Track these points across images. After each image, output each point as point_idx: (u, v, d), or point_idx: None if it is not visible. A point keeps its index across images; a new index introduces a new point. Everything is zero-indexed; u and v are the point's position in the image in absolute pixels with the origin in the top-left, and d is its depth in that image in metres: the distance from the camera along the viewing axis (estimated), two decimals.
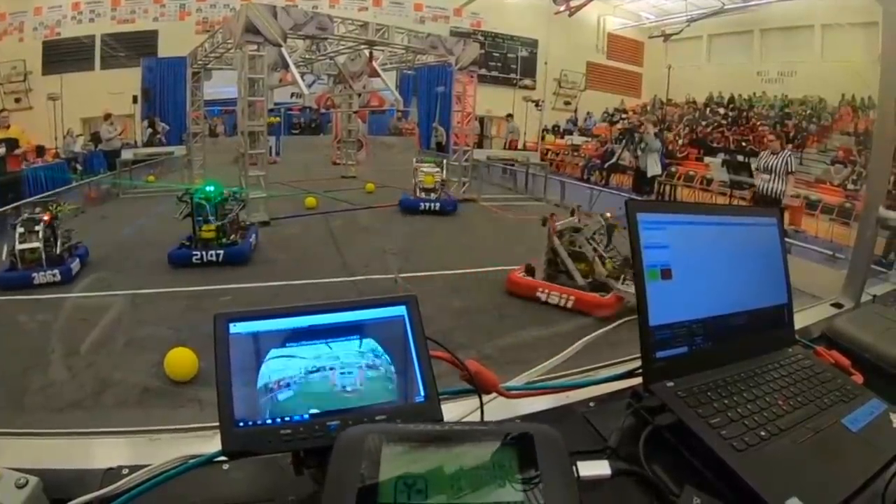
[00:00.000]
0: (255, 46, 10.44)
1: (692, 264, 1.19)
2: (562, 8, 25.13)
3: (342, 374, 0.81)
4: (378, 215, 12.08)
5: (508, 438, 0.69)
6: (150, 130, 20.47)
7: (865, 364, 1.41)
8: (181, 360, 4.57)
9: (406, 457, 0.67)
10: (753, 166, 12.20)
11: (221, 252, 8.11)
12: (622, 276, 6.52)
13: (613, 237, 7.10)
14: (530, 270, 7.04)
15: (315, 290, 6.99)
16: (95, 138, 19.30)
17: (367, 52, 13.71)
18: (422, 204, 12.00)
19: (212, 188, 8.40)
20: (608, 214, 7.41)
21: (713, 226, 1.28)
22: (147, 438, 1.01)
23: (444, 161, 14.10)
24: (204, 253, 8.06)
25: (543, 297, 6.70)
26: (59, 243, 7.70)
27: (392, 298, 0.87)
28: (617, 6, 26.77)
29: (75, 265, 7.68)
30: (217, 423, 0.77)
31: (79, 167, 17.54)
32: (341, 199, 13.26)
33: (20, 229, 7.49)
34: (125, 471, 0.89)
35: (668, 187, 16.32)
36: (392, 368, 0.84)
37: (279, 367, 0.79)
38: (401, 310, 0.87)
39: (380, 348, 0.83)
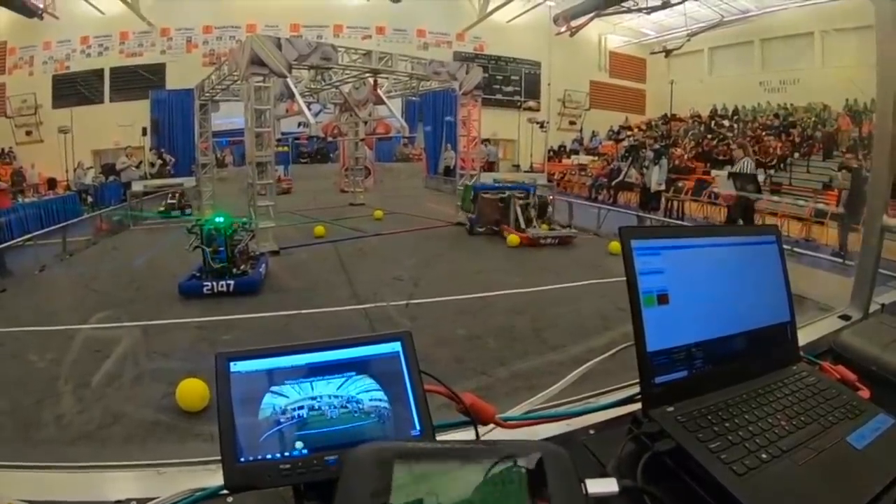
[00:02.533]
0: (261, 78, 10.55)
1: (689, 288, 1.17)
2: (562, 28, 25.31)
3: (340, 409, 0.83)
4: (387, 242, 12.16)
5: (518, 457, 0.69)
6: (159, 162, 20.67)
7: (873, 377, 1.39)
8: (193, 390, 4.58)
9: (417, 474, 0.66)
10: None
11: (232, 283, 8.11)
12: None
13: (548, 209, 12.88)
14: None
15: (325, 319, 6.97)
16: (106, 170, 19.51)
17: (371, 80, 13.82)
18: None
19: (221, 219, 8.43)
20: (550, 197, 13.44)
21: (710, 247, 1.26)
22: (155, 472, 1.03)
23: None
24: (215, 283, 8.05)
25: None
26: None
27: (387, 335, 0.89)
28: (617, 24, 26.90)
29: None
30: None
31: (90, 199, 17.69)
32: (350, 227, 13.32)
33: None
34: (133, 503, 0.91)
35: (674, 203, 16.33)
36: (388, 403, 0.86)
37: (279, 403, 0.82)
38: (396, 346, 0.90)
39: (375, 384, 0.86)
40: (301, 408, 0.81)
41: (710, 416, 1.07)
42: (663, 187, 14.75)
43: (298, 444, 0.78)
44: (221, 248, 8.28)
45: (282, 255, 10.34)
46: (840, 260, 8.81)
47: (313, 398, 0.82)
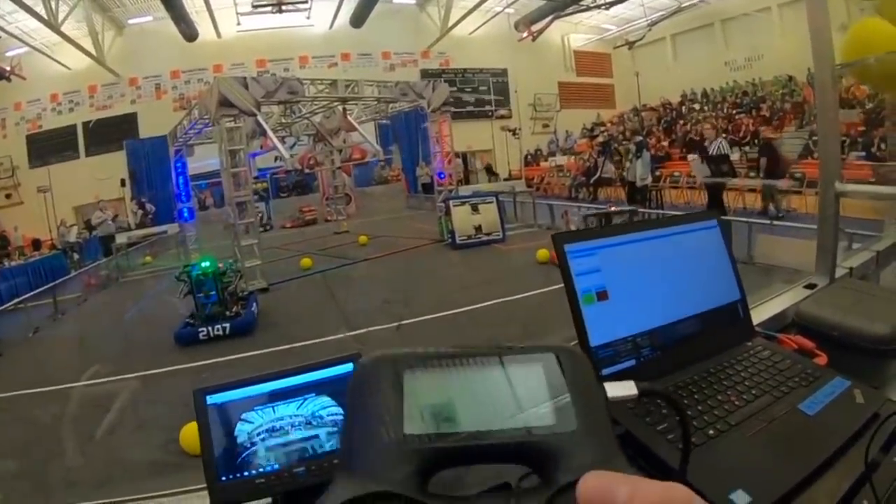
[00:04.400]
0: (231, 118, 10.58)
1: (629, 282, 1.21)
2: (524, 34, 25.49)
3: (304, 427, 0.94)
4: (374, 266, 12.19)
5: (534, 357, 0.68)
6: (140, 212, 20.64)
7: (833, 343, 1.41)
8: (194, 434, 4.60)
9: (429, 382, 0.65)
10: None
11: (228, 325, 8.09)
12: None
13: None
14: None
15: (319, 349, 6.99)
16: (89, 226, 19.47)
17: (340, 108, 13.89)
18: None
19: (207, 263, 8.44)
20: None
21: (648, 241, 1.28)
22: (156, 503, 1.10)
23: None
24: (210, 328, 8.01)
25: None
26: None
27: (340, 358, 0.99)
28: (578, 23, 27.10)
29: None
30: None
31: (76, 256, 17.67)
32: (336, 256, 13.33)
33: None
34: None
35: (654, 192, 16.41)
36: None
37: (251, 427, 0.92)
38: (349, 367, 1.01)
39: (332, 401, 0.96)
40: (268, 429, 0.91)
41: (659, 400, 1.08)
42: (649, 180, 14.74)
43: (270, 461, 0.88)
44: (213, 292, 8.27)
45: (272, 292, 10.34)
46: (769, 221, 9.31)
47: (278, 419, 0.92)
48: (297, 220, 20.49)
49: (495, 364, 0.67)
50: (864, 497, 0.91)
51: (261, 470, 0.88)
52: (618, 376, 1.13)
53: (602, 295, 1.17)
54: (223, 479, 0.87)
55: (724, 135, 15.34)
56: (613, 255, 1.22)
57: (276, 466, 0.89)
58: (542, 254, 9.70)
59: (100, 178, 21.34)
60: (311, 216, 20.15)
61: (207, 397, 0.92)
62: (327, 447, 0.91)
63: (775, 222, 9.22)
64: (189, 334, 8.06)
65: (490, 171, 25.57)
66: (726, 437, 1.01)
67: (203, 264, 8.41)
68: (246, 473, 0.88)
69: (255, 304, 8.92)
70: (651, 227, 1.33)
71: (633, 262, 1.25)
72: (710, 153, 10.85)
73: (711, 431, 1.02)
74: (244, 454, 0.89)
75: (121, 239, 17.09)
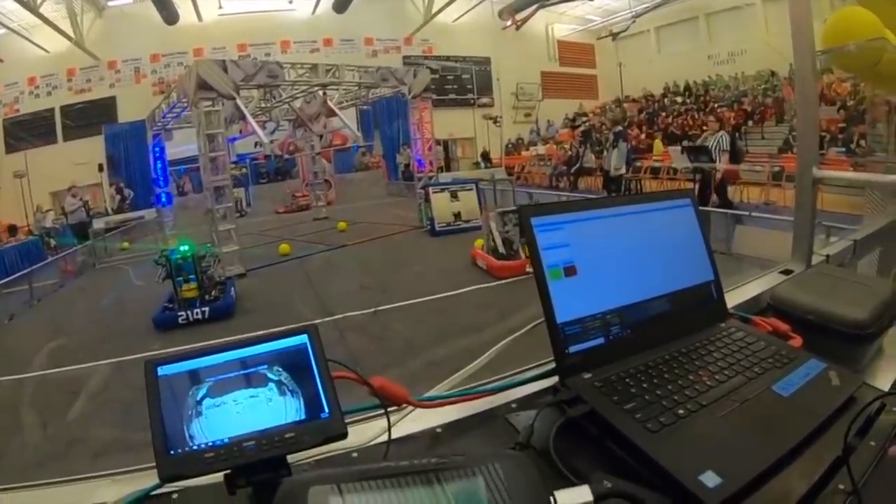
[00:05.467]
0: (210, 102, 10.48)
1: (598, 258, 1.19)
2: (508, 23, 25.52)
3: (254, 399, 0.90)
4: (352, 252, 12.17)
5: (471, 471, 0.66)
6: (118, 197, 20.42)
7: (808, 326, 1.39)
8: None
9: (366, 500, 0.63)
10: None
11: (207, 309, 8.10)
12: None
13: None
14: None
15: None
16: (65, 211, 19.25)
17: (321, 93, 13.81)
18: None
19: (186, 247, 8.40)
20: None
21: (619, 216, 1.27)
22: (110, 480, 1.06)
23: None
24: (189, 312, 8.03)
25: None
26: None
27: (294, 329, 0.95)
28: (563, 13, 27.13)
29: None
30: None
31: (52, 242, 17.45)
32: (314, 242, 13.32)
33: None
34: None
35: (633, 183, 16.54)
36: (298, 390, 0.92)
37: (200, 398, 0.88)
38: (303, 338, 0.96)
39: (286, 374, 0.92)
40: (219, 402, 0.87)
41: (628, 379, 1.08)
42: (623, 171, 14.86)
43: (219, 434, 0.85)
44: (192, 276, 8.23)
45: (249, 277, 10.31)
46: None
47: (231, 391, 0.88)
48: (291, 206, 20.33)
49: (432, 483, 0.65)
50: (840, 481, 0.90)
51: (208, 444, 0.84)
52: (587, 355, 1.12)
53: (570, 270, 1.15)
54: (172, 452, 0.83)
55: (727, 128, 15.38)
56: (583, 229, 1.20)
57: (225, 440, 0.85)
58: None
59: (77, 163, 21.03)
60: (304, 201, 19.94)
61: (158, 368, 0.88)
62: (279, 420, 0.88)
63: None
64: (168, 319, 8.05)
65: (485, 158, 25.53)
66: (697, 418, 0.98)
67: (182, 248, 8.35)
68: (195, 447, 0.84)
69: (232, 289, 8.90)
70: (623, 203, 1.31)
71: (604, 237, 1.22)
72: (710, 146, 10.91)
73: (681, 411, 0.99)
74: (192, 426, 0.85)
75: (98, 224, 16.84)
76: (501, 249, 9.19)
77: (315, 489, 0.65)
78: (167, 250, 8.60)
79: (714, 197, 10.90)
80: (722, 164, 10.78)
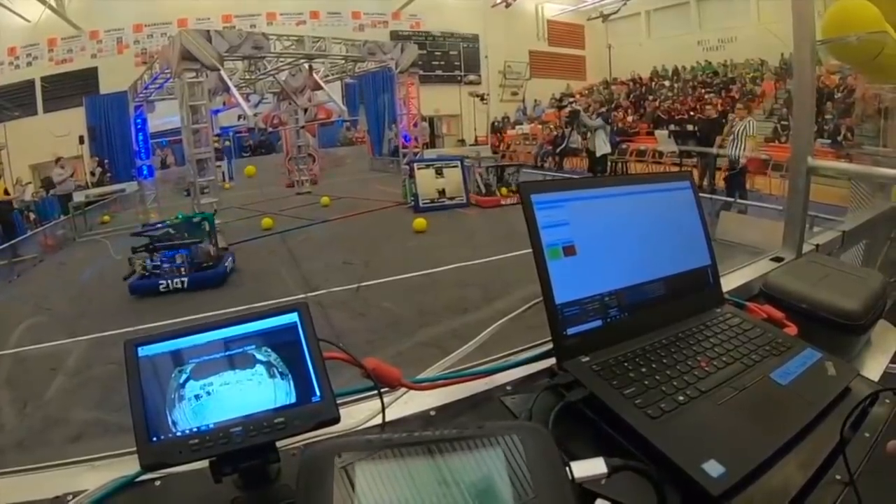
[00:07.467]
0: (193, 73, 10.37)
1: (598, 238, 1.17)
2: (498, 1, 25.29)
3: (241, 382, 0.85)
4: (335, 227, 12.12)
5: (490, 441, 0.66)
6: (99, 170, 20.14)
7: (802, 314, 1.40)
8: None
9: (382, 471, 0.63)
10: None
11: (186, 279, 8.11)
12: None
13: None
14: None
15: None
16: (47, 184, 18.93)
17: (307, 66, 13.68)
18: None
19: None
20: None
21: (620, 196, 1.25)
22: (89, 466, 1.03)
23: None
24: (170, 281, 8.03)
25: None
26: None
27: (283, 307, 0.91)
28: None
29: None
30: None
31: (32, 216, 17.20)
32: (297, 216, 13.22)
33: None
34: (69, 497, 0.92)
35: (619, 164, 16.57)
36: (288, 372, 0.88)
37: (184, 382, 0.83)
38: (293, 317, 0.92)
39: (275, 354, 0.88)
40: (205, 384, 0.83)
41: (626, 363, 1.08)
42: (607, 150, 14.90)
43: (204, 419, 0.81)
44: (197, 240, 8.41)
45: (230, 251, 10.22)
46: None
47: (217, 373, 0.84)
48: (291, 181, 20.03)
49: (451, 453, 0.65)
50: (837, 471, 0.90)
51: (193, 430, 0.80)
52: (584, 337, 1.11)
53: (569, 250, 1.13)
54: (154, 439, 0.79)
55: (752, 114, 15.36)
56: (583, 208, 1.18)
57: (211, 426, 0.81)
58: None
59: (58, 135, 20.62)
60: (311, 175, 19.68)
61: (139, 349, 0.84)
62: (268, 404, 0.84)
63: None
64: (147, 285, 8.06)
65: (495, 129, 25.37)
66: (697, 404, 0.98)
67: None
68: (179, 433, 0.80)
69: (230, 259, 9.01)
70: (624, 182, 1.31)
71: (604, 217, 1.21)
72: (737, 131, 10.91)
73: (681, 397, 0.99)
74: (176, 411, 0.81)
75: (78, 198, 16.58)
76: (483, 190, 13.54)
77: (344, 455, 0.64)
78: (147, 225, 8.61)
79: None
80: (746, 152, 10.73)
